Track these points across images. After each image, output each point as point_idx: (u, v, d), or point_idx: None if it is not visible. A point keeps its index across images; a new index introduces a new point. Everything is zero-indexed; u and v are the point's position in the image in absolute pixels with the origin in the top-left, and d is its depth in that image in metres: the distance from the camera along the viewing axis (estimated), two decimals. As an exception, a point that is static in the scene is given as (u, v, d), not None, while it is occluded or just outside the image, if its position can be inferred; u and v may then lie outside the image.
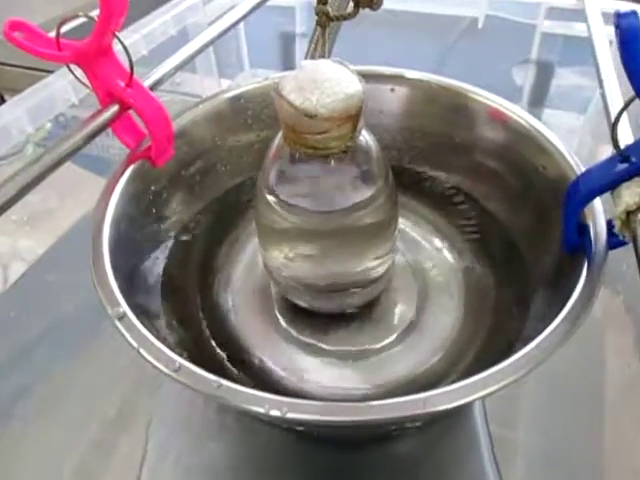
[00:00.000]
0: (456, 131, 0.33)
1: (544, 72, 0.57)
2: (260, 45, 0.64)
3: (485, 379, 0.20)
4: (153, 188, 0.29)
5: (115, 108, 0.27)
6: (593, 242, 0.24)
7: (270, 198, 0.25)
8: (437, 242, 0.33)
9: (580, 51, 0.49)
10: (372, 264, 0.28)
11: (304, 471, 0.28)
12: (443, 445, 0.28)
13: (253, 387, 0.20)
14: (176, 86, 0.62)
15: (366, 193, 0.25)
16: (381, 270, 0.29)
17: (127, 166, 0.28)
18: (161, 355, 0.21)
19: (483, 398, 0.20)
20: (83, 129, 0.25)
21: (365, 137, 0.25)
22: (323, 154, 0.24)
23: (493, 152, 0.32)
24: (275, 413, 0.19)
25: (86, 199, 0.33)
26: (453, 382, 0.21)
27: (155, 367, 0.20)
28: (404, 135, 0.35)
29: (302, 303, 0.29)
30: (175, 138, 0.29)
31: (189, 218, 0.31)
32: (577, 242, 0.24)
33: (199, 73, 0.64)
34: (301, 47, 0.62)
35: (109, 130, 0.27)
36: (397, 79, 0.34)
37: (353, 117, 0.23)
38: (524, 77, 0.56)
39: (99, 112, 0.26)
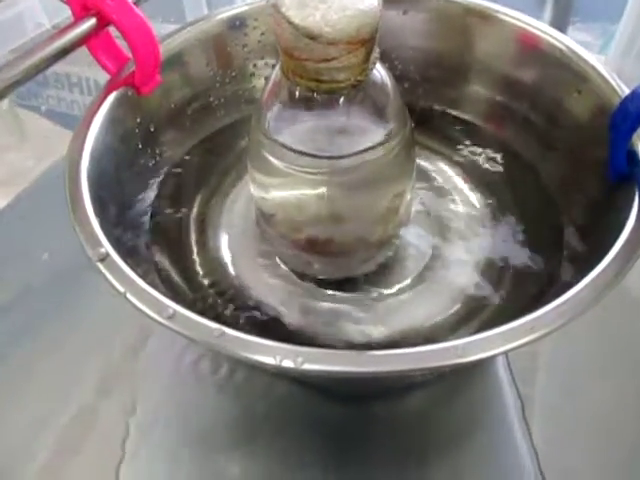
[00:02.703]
0: (479, 58, 0.30)
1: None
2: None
3: (532, 322, 0.17)
4: (139, 120, 0.26)
5: (92, 22, 0.23)
6: (644, 170, 0.21)
7: (266, 141, 0.22)
8: (457, 182, 0.30)
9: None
10: (384, 223, 0.25)
11: (309, 427, 0.25)
12: (463, 400, 0.26)
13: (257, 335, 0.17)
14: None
15: (379, 138, 0.22)
16: (394, 230, 0.26)
17: (108, 93, 0.25)
18: (152, 300, 0.18)
19: (527, 345, 0.17)
20: (53, 43, 0.21)
21: (380, 71, 0.21)
22: (328, 89, 0.20)
23: (520, 79, 0.29)
24: (288, 364, 0.16)
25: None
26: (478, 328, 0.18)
27: (145, 314, 0.17)
28: (418, 65, 0.32)
29: (303, 270, 0.26)
30: (162, 64, 0.26)
31: (181, 155, 0.28)
32: (625, 171, 0.22)
33: (188, 17, 0.60)
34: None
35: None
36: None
37: (366, 41, 0.19)
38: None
39: (72, 25, 0.22)
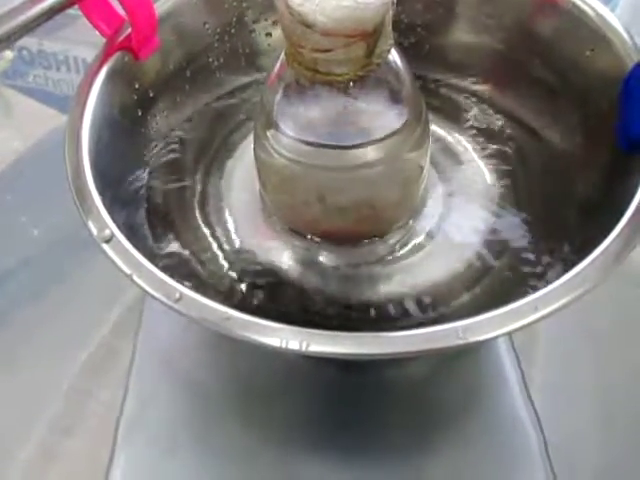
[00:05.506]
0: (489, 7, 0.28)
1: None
2: None
3: (535, 302, 0.17)
4: (137, 86, 0.25)
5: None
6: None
7: (270, 132, 0.21)
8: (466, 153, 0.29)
9: None
10: (391, 217, 0.24)
11: (308, 395, 0.26)
12: (460, 372, 0.26)
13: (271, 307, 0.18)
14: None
15: (390, 128, 0.21)
16: (402, 222, 0.25)
17: (105, 59, 0.24)
18: (159, 283, 0.18)
19: (531, 325, 0.17)
20: (41, 1, 0.20)
21: (394, 57, 0.20)
22: (324, 81, 0.19)
23: (531, 33, 0.27)
24: (294, 346, 0.17)
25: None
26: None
27: (152, 297, 0.18)
28: (425, 19, 0.30)
29: (309, 255, 0.26)
30: (159, 24, 0.25)
31: (181, 121, 0.27)
32: (638, 139, 0.21)
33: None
34: None
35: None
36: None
37: (368, 35, 0.18)
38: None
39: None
